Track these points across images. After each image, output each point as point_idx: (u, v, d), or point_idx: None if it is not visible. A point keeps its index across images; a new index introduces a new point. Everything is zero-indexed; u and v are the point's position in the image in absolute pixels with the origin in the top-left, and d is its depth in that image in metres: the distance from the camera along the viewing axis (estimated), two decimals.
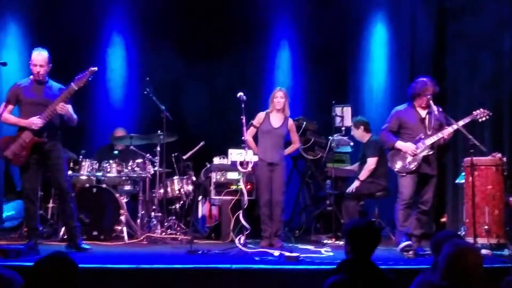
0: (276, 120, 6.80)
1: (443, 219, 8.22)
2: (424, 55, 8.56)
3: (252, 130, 6.84)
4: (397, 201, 6.21)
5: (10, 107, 5.75)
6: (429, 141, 6.07)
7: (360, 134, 7.69)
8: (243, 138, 6.42)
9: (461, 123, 6.08)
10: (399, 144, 6.13)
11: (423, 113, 6.20)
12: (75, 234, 5.78)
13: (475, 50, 7.92)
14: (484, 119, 6.15)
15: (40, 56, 5.70)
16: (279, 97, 6.77)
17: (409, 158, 6.08)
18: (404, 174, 6.11)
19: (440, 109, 6.22)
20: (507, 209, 6.54)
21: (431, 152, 6.11)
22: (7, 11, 8.41)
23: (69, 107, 5.78)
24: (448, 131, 6.07)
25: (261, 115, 6.83)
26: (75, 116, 5.84)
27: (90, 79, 5.69)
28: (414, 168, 6.07)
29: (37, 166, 5.71)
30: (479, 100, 7.69)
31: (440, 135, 6.06)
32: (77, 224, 5.93)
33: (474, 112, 6.14)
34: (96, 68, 5.78)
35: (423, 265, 4.95)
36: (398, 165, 6.14)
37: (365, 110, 8.73)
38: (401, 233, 6.13)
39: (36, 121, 5.54)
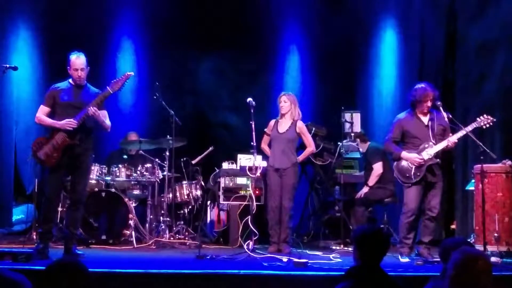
0: (283, 125, 6.79)
1: (453, 226, 8.18)
2: (433, 61, 8.54)
3: (266, 139, 6.85)
4: (402, 211, 6.18)
5: (46, 109, 5.72)
6: (434, 150, 6.03)
7: (360, 146, 7.83)
8: (252, 143, 6.42)
9: (468, 129, 6.04)
10: (404, 155, 6.10)
11: (425, 120, 6.16)
12: (71, 241, 5.74)
13: (485, 55, 7.90)
14: (488, 125, 6.09)
15: (79, 60, 5.69)
16: (282, 102, 6.77)
17: (415, 169, 6.04)
18: (410, 185, 6.08)
19: (450, 115, 6.18)
20: None
21: (436, 161, 6.08)
22: (18, 15, 8.46)
23: (105, 113, 5.78)
24: (453, 140, 6.02)
25: (271, 123, 6.84)
26: (108, 122, 5.80)
27: (126, 83, 5.71)
28: (419, 179, 6.03)
29: (65, 170, 5.70)
30: (489, 106, 7.66)
31: (444, 143, 6.02)
32: (78, 232, 5.91)
33: (478, 119, 6.09)
34: (132, 73, 5.80)
35: (432, 272, 4.93)
36: (404, 176, 6.11)
37: (374, 116, 8.71)
38: (403, 244, 6.10)
39: (70, 123, 5.53)
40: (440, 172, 6.17)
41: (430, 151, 6.02)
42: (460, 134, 6.06)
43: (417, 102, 6.13)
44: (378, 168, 7.49)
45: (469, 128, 6.05)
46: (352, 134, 7.89)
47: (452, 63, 8.41)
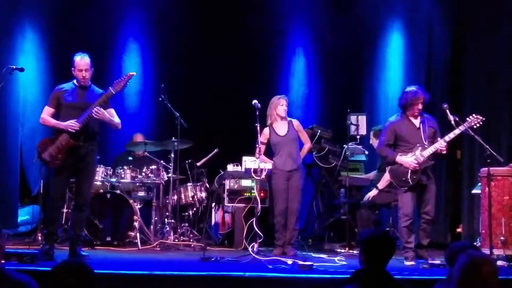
0: (281, 128, 6.79)
1: (459, 230, 8.14)
2: (440, 65, 8.51)
3: (262, 148, 6.76)
4: (399, 216, 6.16)
5: (51, 110, 5.74)
6: (427, 152, 6.00)
7: (373, 142, 7.63)
8: (257, 145, 6.41)
9: (460, 129, 6.00)
10: (400, 159, 6.07)
11: (416, 122, 6.15)
12: (76, 242, 5.74)
13: (492, 60, 7.87)
14: (478, 125, 6.03)
15: (83, 61, 5.72)
16: (284, 105, 6.77)
17: (411, 172, 6.01)
18: (406, 188, 6.05)
19: (457, 118, 6.15)
20: None
21: (431, 163, 6.07)
22: (25, 17, 8.47)
23: (112, 111, 5.81)
24: (444, 142, 5.98)
25: (266, 131, 6.80)
26: (116, 120, 5.85)
27: (128, 83, 5.72)
28: (415, 182, 6.00)
29: (69, 171, 5.70)
30: (496, 110, 7.64)
31: (437, 146, 5.99)
32: (83, 233, 5.92)
33: (468, 119, 6.04)
34: (134, 73, 5.83)
35: (438, 275, 4.90)
36: (400, 180, 6.08)
37: (380, 119, 8.67)
38: (406, 249, 6.07)
39: (73, 124, 5.55)
40: (432, 174, 6.16)
41: (423, 153, 6.00)
42: (452, 135, 6.03)
43: (408, 105, 6.12)
44: None
45: (462, 128, 6.01)
46: (358, 137, 7.83)
47: (460, 65, 8.38)
